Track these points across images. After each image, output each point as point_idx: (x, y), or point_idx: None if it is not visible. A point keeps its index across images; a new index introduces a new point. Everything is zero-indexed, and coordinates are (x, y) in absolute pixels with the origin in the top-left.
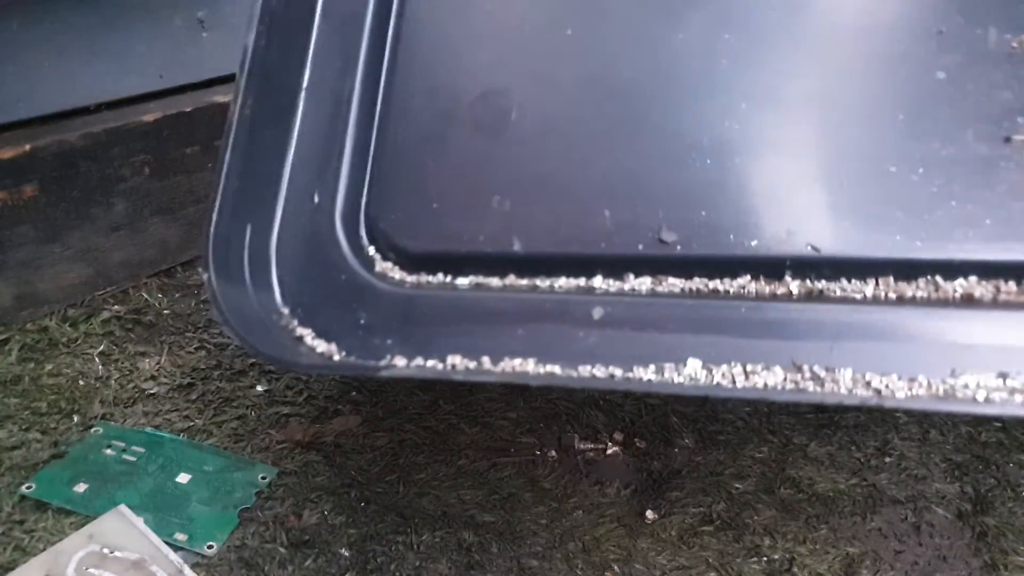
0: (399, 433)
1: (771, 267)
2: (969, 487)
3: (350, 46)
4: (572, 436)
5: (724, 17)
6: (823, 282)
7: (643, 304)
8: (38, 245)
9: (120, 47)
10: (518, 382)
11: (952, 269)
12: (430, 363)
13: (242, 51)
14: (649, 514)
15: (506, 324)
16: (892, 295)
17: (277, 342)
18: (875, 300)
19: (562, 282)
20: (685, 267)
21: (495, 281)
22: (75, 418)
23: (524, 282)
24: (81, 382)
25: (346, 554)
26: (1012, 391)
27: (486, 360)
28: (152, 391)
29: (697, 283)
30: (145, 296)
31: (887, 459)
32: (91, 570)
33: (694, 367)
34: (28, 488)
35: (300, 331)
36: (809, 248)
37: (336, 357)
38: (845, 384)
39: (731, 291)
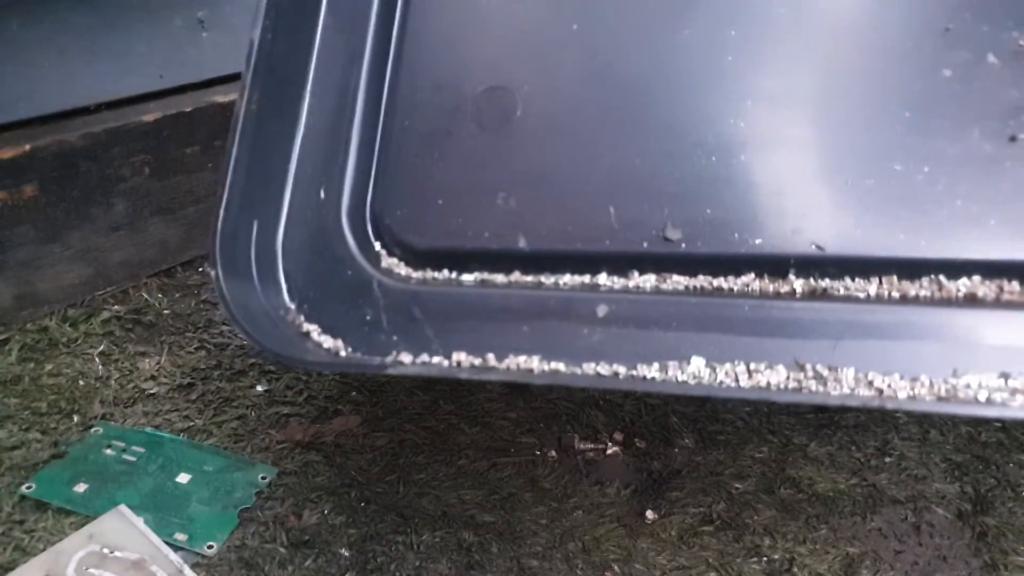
0: (399, 433)
1: (775, 265)
2: (969, 487)
3: (356, 41)
4: (572, 436)
5: (730, 13)
6: (827, 281)
7: (647, 302)
8: (38, 245)
9: (120, 47)
10: (523, 380)
11: (956, 268)
12: (435, 360)
13: (248, 46)
14: (649, 514)
15: (511, 321)
16: (895, 294)
17: (284, 338)
18: (878, 299)
19: (567, 279)
20: (689, 265)
21: (500, 278)
22: (75, 418)
23: (529, 279)
24: (81, 382)
25: (346, 554)
26: (1014, 391)
27: (491, 357)
28: (152, 391)
29: (701, 281)
30: (145, 296)
31: (887, 459)
32: (91, 570)
33: (698, 365)
34: (28, 488)
35: (307, 327)
36: (813, 247)
37: (342, 353)
38: (848, 383)
39: (735, 289)
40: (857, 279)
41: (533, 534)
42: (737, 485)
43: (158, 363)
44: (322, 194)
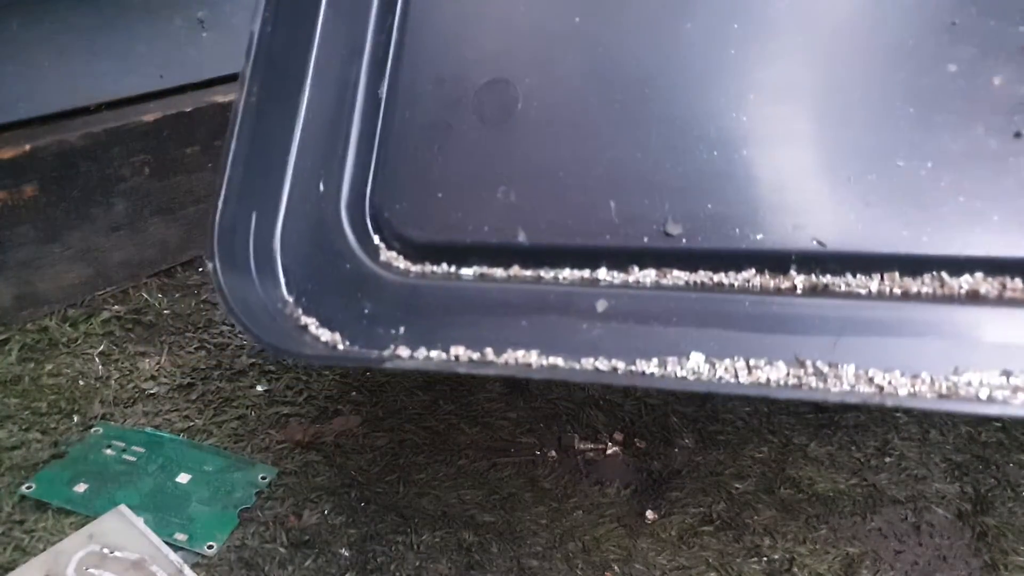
0: (399, 433)
1: (776, 261)
2: (969, 487)
3: (356, 33)
4: (572, 436)
5: (733, 7)
6: (828, 277)
7: (647, 297)
8: (38, 245)
9: (120, 47)
10: (521, 375)
11: (958, 265)
12: (434, 353)
13: (248, 38)
14: (649, 514)
15: (510, 315)
16: (897, 291)
17: (281, 331)
18: (880, 295)
19: (566, 274)
20: (690, 260)
21: (499, 272)
22: (75, 418)
23: (528, 273)
24: (81, 382)
25: (346, 554)
26: (1015, 389)
27: (489, 351)
28: (152, 391)
29: (702, 276)
30: (145, 296)
31: (887, 459)
32: (91, 570)
33: (697, 361)
34: (28, 488)
35: (305, 320)
36: (815, 242)
37: (340, 346)
38: (848, 380)
39: (735, 285)
40: (858, 275)
41: (533, 534)
42: (737, 485)
43: (158, 363)
44: (321, 187)
